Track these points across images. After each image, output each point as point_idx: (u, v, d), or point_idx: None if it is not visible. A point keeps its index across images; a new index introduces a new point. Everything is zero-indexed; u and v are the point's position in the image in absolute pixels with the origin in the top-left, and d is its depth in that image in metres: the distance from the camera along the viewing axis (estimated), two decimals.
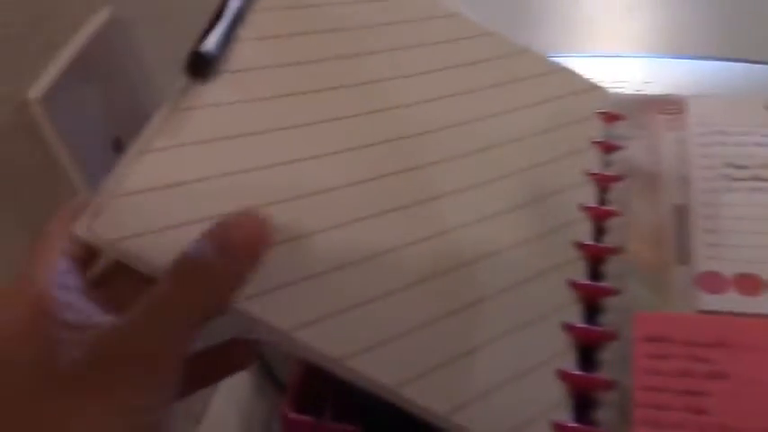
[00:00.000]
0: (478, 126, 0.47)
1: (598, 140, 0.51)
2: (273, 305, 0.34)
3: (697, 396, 0.38)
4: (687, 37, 0.77)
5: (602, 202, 0.49)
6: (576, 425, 0.39)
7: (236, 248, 0.31)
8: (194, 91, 0.38)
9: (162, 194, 0.34)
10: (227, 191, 0.36)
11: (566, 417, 0.39)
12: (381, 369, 0.35)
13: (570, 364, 0.41)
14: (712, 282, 0.43)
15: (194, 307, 0.30)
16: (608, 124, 0.53)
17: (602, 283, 0.44)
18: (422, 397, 0.35)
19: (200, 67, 0.38)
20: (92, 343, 0.28)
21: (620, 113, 0.54)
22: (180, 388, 0.30)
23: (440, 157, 0.43)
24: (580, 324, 0.42)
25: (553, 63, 0.54)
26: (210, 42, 0.39)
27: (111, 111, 0.48)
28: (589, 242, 0.46)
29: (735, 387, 0.38)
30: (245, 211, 0.33)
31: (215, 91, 0.39)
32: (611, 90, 0.57)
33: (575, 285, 0.43)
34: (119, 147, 0.50)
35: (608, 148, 0.51)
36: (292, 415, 0.44)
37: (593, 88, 0.55)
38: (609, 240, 0.46)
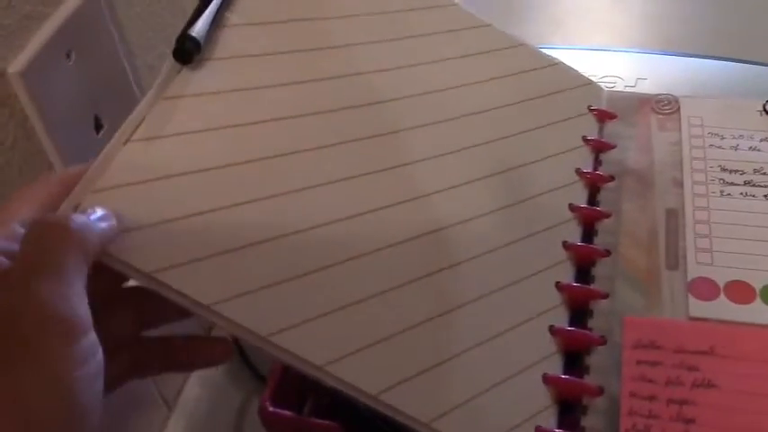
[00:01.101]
0: (469, 121, 0.45)
1: (590, 139, 0.50)
2: (252, 308, 0.32)
3: (685, 405, 0.38)
4: (682, 33, 0.77)
5: (593, 202, 0.48)
6: (558, 431, 0.38)
7: None
8: (180, 78, 0.37)
9: (142, 190, 0.33)
10: (208, 188, 0.34)
11: (551, 422, 0.38)
12: (362, 375, 0.34)
13: (557, 368, 0.40)
14: (704, 288, 0.42)
15: (58, 262, 0.28)
16: (600, 122, 0.52)
17: (592, 286, 0.43)
18: (403, 404, 0.34)
19: (189, 52, 0.36)
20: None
21: (612, 112, 0.53)
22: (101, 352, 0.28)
23: (426, 155, 0.42)
24: (568, 327, 0.41)
25: (548, 57, 0.53)
26: (200, 27, 0.37)
27: (92, 88, 0.47)
28: (578, 243, 0.45)
29: (722, 397, 0.38)
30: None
31: (201, 79, 0.37)
32: (604, 86, 0.56)
33: (562, 288, 0.43)
34: (98, 125, 0.48)
35: (600, 146, 0.51)
36: (272, 409, 0.43)
37: (587, 84, 0.54)
38: (599, 242, 0.46)
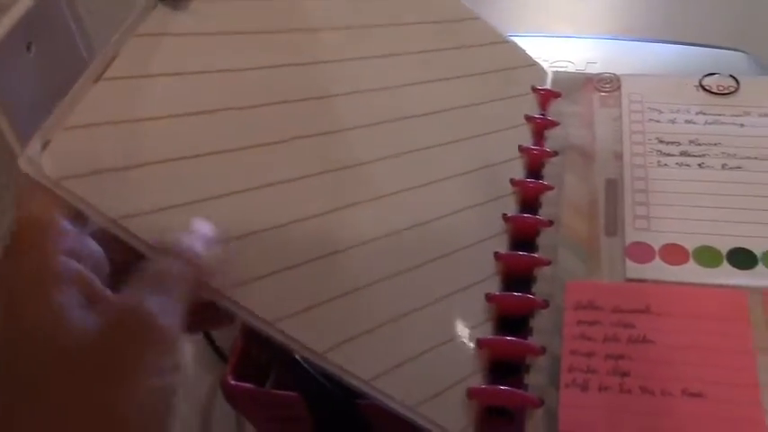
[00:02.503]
0: (413, 91, 0.46)
1: (536, 116, 0.52)
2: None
3: (621, 359, 0.40)
4: (631, 20, 0.79)
5: (537, 176, 0.50)
6: (487, 386, 0.40)
7: None
8: (156, 15, 0.36)
9: (115, 130, 0.32)
10: (181, 132, 0.34)
11: (484, 383, 0.40)
12: (309, 334, 0.35)
13: (488, 334, 0.41)
14: (640, 252, 0.45)
15: (191, 283, 0.30)
16: (545, 101, 0.54)
17: (536, 255, 0.45)
18: (346, 362, 0.36)
19: None
20: (106, 317, 0.28)
21: (557, 91, 0.55)
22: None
23: (373, 120, 0.43)
24: (510, 293, 0.43)
25: (499, 34, 0.54)
26: None
27: (53, 80, 0.48)
28: (518, 214, 0.47)
29: (656, 351, 0.40)
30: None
31: (178, 18, 0.36)
32: (556, 69, 0.58)
33: (501, 257, 0.45)
34: None
35: (545, 124, 0.53)
36: (233, 382, 0.44)
37: (532, 64, 0.56)
38: (543, 214, 0.48)
